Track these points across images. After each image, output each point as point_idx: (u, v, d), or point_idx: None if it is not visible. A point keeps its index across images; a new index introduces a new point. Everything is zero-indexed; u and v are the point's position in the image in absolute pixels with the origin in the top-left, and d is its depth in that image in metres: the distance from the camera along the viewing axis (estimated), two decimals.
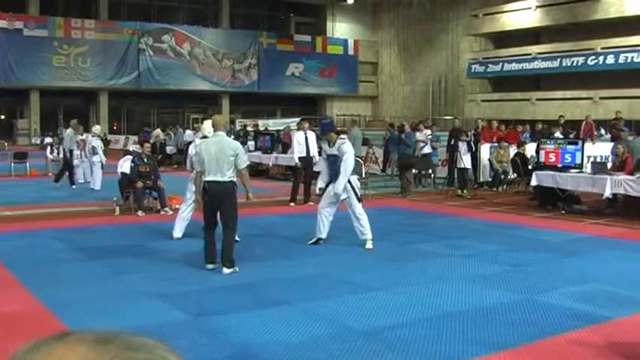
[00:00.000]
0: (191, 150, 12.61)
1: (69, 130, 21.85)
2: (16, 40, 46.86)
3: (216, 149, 9.75)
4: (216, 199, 9.81)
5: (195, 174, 10.47)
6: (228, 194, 9.76)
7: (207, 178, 9.76)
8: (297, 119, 36.15)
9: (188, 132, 34.26)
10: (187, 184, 12.58)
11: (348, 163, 11.58)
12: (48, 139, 29.60)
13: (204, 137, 12.15)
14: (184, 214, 12.48)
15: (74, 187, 20.89)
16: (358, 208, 11.70)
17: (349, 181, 11.62)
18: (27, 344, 0.94)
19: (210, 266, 9.89)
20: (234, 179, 9.84)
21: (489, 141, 22.39)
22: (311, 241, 11.88)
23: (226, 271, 9.60)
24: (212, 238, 10.00)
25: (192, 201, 12.16)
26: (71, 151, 21.25)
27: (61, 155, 22.72)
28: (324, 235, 11.94)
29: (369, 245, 11.66)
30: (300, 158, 17.49)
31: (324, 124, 12.84)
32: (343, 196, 11.69)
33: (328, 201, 11.89)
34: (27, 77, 47.54)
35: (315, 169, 18.49)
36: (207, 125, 12.59)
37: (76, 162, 22.10)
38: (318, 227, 11.90)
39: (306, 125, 18.53)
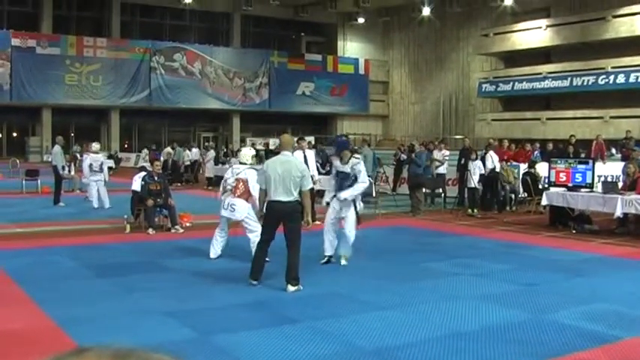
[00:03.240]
0: (227, 174, 12.57)
1: (57, 147, 21.90)
2: (28, 58, 47.27)
3: (284, 169, 9.80)
4: (282, 219, 9.90)
5: (259, 191, 10.51)
6: (294, 214, 9.87)
7: (273, 198, 9.81)
8: (311, 138, 36.23)
9: (194, 150, 34.39)
10: (221, 207, 12.30)
11: (363, 180, 11.70)
12: None
13: (243, 164, 12.18)
14: (221, 235, 12.35)
15: (61, 204, 20.86)
16: (350, 225, 11.79)
17: (353, 201, 11.70)
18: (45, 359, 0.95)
19: (254, 282, 9.95)
20: (299, 199, 9.92)
21: (500, 160, 22.35)
22: (322, 261, 11.91)
23: (291, 288, 9.63)
24: (264, 254, 10.12)
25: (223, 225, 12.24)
26: (62, 167, 21.35)
27: (69, 172, 22.75)
28: (331, 253, 11.98)
29: (343, 262, 11.74)
30: None
31: (340, 142, 12.96)
32: (343, 214, 11.82)
33: (332, 218, 11.99)
34: (39, 95, 47.87)
35: (316, 187, 18.44)
36: (245, 153, 12.60)
37: (85, 180, 22.06)
38: (325, 246, 11.96)
39: (305, 144, 18.47)
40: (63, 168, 21.64)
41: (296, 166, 9.99)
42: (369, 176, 19.91)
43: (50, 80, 48.01)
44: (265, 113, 56.49)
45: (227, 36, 56.92)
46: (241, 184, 11.74)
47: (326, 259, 11.94)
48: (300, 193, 9.96)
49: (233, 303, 8.96)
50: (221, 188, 12.68)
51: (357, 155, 12.19)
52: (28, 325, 7.80)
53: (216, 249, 12.28)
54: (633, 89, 38.66)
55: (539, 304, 9.00)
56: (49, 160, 28.51)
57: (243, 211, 11.71)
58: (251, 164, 12.34)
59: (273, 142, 38.26)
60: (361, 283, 10.39)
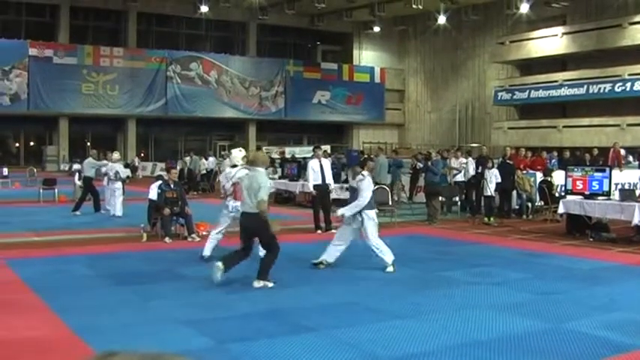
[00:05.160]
0: (222, 178, 13.00)
1: (89, 159, 22.03)
2: (45, 67, 47.55)
3: (248, 183, 10.45)
4: (249, 230, 10.48)
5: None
6: (258, 224, 10.30)
7: (241, 209, 10.59)
8: (327, 147, 36.20)
9: (211, 159, 34.48)
10: (222, 210, 12.98)
11: (361, 199, 11.96)
12: (76, 166, 29.71)
13: (234, 166, 12.46)
14: (217, 235, 12.87)
15: (102, 212, 21.04)
16: (373, 239, 12.00)
17: (360, 213, 11.97)
18: None
19: (218, 264, 10.33)
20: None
21: (517, 168, 22.28)
22: (313, 261, 12.20)
23: (256, 284, 10.15)
24: (239, 254, 10.60)
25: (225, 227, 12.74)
26: (91, 179, 21.43)
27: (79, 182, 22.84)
28: (327, 259, 12.26)
29: (389, 269, 11.87)
30: (315, 186, 17.40)
31: (351, 158, 13.48)
32: (354, 225, 12.17)
33: (342, 230, 12.49)
34: (56, 104, 48.14)
35: (332, 196, 18.47)
36: (235, 155, 12.87)
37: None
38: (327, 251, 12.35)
39: (321, 152, 18.51)
40: (91, 179, 21.62)
41: (257, 180, 10.45)
42: (383, 185, 20.04)
43: (67, 90, 48.26)
44: (281, 122, 56.59)
45: (243, 45, 57.02)
46: (239, 187, 11.94)
47: (318, 261, 12.19)
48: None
49: (250, 311, 8.96)
50: (222, 192, 13.13)
51: (364, 172, 12.32)
52: (46, 334, 7.83)
53: (211, 248, 12.77)
54: None
55: (557, 313, 8.96)
56: (66, 169, 28.54)
57: None
58: (242, 165, 12.52)
59: (289, 151, 38.34)
60: (378, 291, 10.38)
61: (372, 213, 12.08)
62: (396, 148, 35.19)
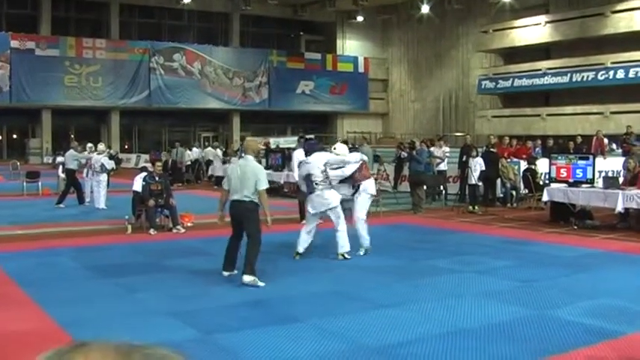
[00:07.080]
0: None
1: (71, 151, 21.90)
2: (28, 59, 47.23)
3: (241, 172, 10.26)
4: (238, 217, 10.32)
5: (221, 191, 11.08)
6: (248, 212, 10.20)
7: (231, 198, 10.30)
8: (311, 137, 36.17)
9: (194, 149, 34.48)
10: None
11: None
12: (60, 159, 29.51)
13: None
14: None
15: (87, 203, 20.99)
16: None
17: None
18: (47, 352, 0.94)
19: (225, 273, 10.40)
20: (255, 199, 10.19)
21: (501, 156, 22.34)
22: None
23: (245, 278, 9.81)
24: (233, 249, 10.51)
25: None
26: (74, 171, 21.33)
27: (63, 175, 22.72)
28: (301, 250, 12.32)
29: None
30: None
31: (309, 145, 13.59)
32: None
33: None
34: (39, 97, 47.83)
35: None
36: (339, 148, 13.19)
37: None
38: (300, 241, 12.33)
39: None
40: (73, 172, 21.55)
41: (252, 168, 10.36)
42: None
43: (50, 82, 47.95)
44: (265, 112, 56.48)
45: (226, 36, 56.83)
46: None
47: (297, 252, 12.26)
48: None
49: (235, 302, 8.96)
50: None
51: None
52: (30, 327, 7.79)
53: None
54: (633, 84, 38.54)
55: (541, 301, 9.00)
56: (49, 161, 28.36)
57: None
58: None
59: (273, 142, 38.34)
60: (363, 281, 10.39)
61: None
62: (368, 139, 35.05)
